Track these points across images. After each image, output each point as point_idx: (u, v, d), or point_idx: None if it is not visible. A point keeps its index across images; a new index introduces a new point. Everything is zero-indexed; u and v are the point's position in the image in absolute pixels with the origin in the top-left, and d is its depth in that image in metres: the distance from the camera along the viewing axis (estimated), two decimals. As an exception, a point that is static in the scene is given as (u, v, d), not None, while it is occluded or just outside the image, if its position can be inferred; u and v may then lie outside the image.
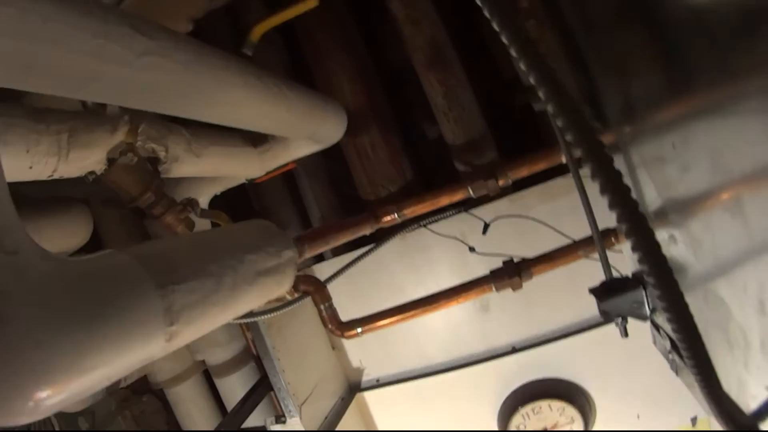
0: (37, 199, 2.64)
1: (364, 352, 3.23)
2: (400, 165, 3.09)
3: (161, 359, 3.57)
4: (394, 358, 3.15)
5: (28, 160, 1.61)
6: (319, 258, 3.38)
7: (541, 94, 0.95)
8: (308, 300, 2.20)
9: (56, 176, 1.74)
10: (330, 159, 3.50)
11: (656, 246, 0.81)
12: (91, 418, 3.49)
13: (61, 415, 3.20)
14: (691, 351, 0.83)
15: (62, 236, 2.69)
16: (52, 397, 0.85)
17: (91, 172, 1.87)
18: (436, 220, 2.91)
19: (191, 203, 2.14)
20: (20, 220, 0.93)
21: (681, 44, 0.81)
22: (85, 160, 1.80)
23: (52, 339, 0.84)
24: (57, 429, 3.15)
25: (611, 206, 0.85)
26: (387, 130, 3.09)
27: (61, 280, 0.92)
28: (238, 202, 3.38)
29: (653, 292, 0.94)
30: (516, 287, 2.19)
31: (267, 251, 1.51)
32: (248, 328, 2.84)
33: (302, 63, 3.15)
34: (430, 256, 2.99)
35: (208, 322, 1.23)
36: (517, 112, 3.35)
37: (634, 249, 0.82)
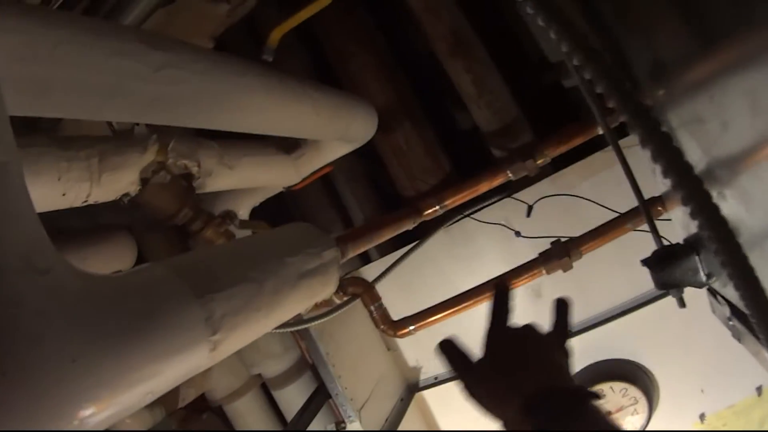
0: (80, 229, 2.67)
1: (420, 350, 3.19)
2: (436, 157, 3.06)
3: (218, 376, 3.64)
4: (451, 354, 3.09)
5: (61, 188, 1.61)
6: (366, 260, 3.37)
7: (576, 61, 0.91)
8: (359, 303, 2.18)
9: (91, 201, 1.74)
10: (367, 159, 3.48)
11: (716, 210, 0.76)
12: (153, 440, 3.51)
13: (123, 439, 3.23)
14: (759, 316, 0.78)
15: (106, 263, 2.72)
16: (97, 414, 0.83)
17: (126, 194, 1.87)
18: (479, 209, 2.87)
19: (229, 215, 2.13)
20: (53, 243, 0.92)
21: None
22: (118, 182, 1.80)
23: (89, 355, 0.82)
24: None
25: (666, 173, 0.81)
26: (419, 123, 3.06)
27: (96, 296, 0.90)
28: (278, 212, 3.37)
29: (713, 258, 0.89)
30: (566, 268, 2.14)
31: (308, 252, 1.48)
32: (301, 336, 2.83)
33: (326, 68, 3.14)
34: (476, 245, 2.94)
35: (252, 329, 1.20)
36: (547, 91, 3.29)
37: (693, 215, 0.78)
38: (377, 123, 2.70)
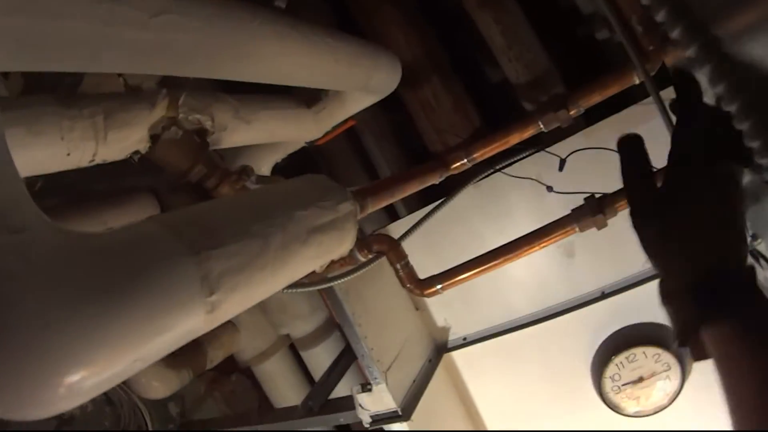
0: (102, 192, 2.64)
1: (449, 311, 3.12)
2: (466, 112, 2.96)
3: (246, 337, 3.62)
4: (480, 315, 3.03)
5: (65, 147, 1.57)
6: (395, 217, 3.31)
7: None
8: (386, 261, 2.10)
9: (98, 160, 1.70)
10: (394, 114, 3.40)
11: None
12: (182, 403, 3.53)
13: (150, 402, 3.24)
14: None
15: (129, 225, 2.68)
16: (87, 379, 0.78)
17: (136, 152, 1.82)
18: (509, 164, 2.76)
19: (246, 171, 2.06)
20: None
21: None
22: (126, 140, 1.75)
23: (65, 318, 0.75)
24: (147, 416, 3.18)
25: (738, 118, 0.72)
26: (448, 78, 2.96)
27: (77, 255, 0.84)
28: (304, 170, 3.32)
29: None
30: (600, 225, 2.04)
31: (320, 206, 1.40)
32: (328, 296, 2.77)
33: (350, 25, 3.04)
34: (507, 201, 2.85)
35: (256, 289, 1.13)
36: (579, 45, 3.17)
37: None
38: (401, 71, 2.59)
